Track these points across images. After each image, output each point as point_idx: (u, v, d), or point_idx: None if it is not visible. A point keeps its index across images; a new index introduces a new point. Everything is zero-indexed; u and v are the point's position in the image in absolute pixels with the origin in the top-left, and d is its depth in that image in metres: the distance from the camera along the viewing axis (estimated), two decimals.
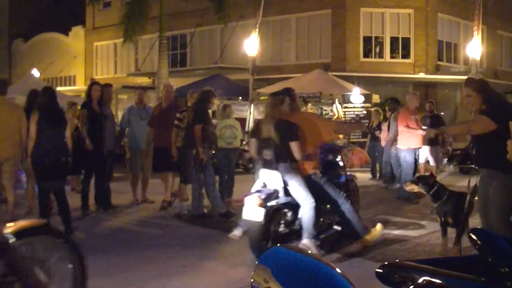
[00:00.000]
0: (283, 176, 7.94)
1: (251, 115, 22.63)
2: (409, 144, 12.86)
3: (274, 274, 2.16)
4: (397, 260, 2.23)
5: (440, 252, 7.74)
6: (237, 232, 8.55)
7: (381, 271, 2.07)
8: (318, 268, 2.14)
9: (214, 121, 12.63)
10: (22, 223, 4.94)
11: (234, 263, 7.79)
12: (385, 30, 30.74)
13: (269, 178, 8.13)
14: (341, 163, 9.33)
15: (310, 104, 22.22)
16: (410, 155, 12.85)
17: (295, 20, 32.41)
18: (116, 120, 14.88)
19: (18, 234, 4.63)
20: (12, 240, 4.51)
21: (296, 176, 7.93)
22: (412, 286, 1.91)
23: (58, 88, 36.09)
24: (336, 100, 22.14)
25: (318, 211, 8.07)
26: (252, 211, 7.70)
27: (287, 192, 8.00)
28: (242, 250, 8.07)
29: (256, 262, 2.22)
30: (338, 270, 2.11)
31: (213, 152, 11.54)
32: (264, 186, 8.18)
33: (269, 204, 7.76)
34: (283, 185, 7.98)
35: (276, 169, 7.96)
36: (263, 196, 7.74)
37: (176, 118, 11.76)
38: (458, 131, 6.67)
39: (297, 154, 7.86)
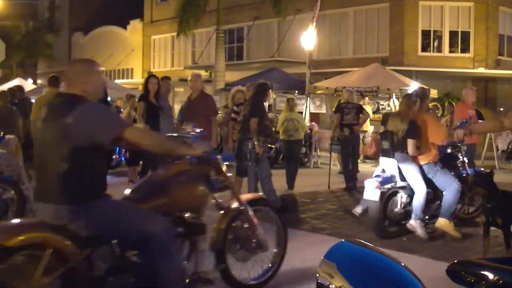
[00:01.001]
0: (399, 163, 9.08)
1: (308, 109, 22.55)
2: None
3: (339, 269, 2.13)
4: (468, 259, 2.18)
5: (483, 253, 7.52)
6: (358, 209, 10.25)
7: (451, 268, 2.03)
8: (385, 263, 2.11)
9: (270, 114, 12.65)
10: (251, 196, 6.78)
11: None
12: (444, 24, 30.25)
13: (387, 165, 9.34)
14: (460, 158, 10.11)
15: (367, 98, 22.07)
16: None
17: (353, 13, 32.17)
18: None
19: (251, 203, 6.19)
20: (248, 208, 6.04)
21: (410, 165, 9.00)
22: (485, 285, 1.87)
23: (116, 81, 36.79)
24: (394, 94, 21.91)
25: (430, 196, 9.13)
26: (371, 192, 8.92)
27: (402, 178, 9.10)
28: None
29: (322, 258, 2.20)
30: (403, 264, 2.07)
31: (269, 145, 11.56)
32: (383, 171, 9.41)
33: (385, 187, 8.97)
34: (398, 172, 9.10)
35: (393, 157, 9.12)
36: (380, 180, 8.99)
37: (232, 111, 11.84)
38: (489, 129, 6.25)
39: (411, 150, 8.99)
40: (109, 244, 4.71)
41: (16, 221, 5.70)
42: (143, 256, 4.85)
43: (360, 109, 14.67)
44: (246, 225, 6.05)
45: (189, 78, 11.75)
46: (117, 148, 16.40)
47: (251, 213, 6.04)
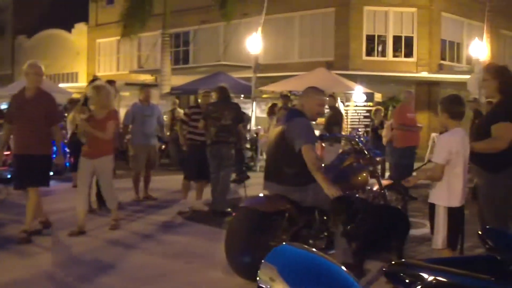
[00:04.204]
0: None
1: (253, 113, 22.59)
2: (406, 142, 12.87)
3: (280, 273, 2.14)
4: (404, 260, 2.21)
5: None
6: None
7: (389, 269, 2.06)
8: (324, 265, 2.13)
9: None
10: (385, 182, 8.67)
11: None
12: (388, 29, 30.70)
13: None
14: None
15: None
16: (407, 153, 12.86)
17: (299, 18, 32.38)
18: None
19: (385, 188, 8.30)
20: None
21: None
22: (420, 285, 1.90)
23: (61, 85, 36.16)
24: (339, 98, 22.09)
25: None
26: None
27: None
28: None
29: (263, 261, 2.20)
30: (343, 267, 2.09)
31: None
32: None
33: None
34: None
35: None
36: None
37: (184, 114, 11.96)
38: (485, 151, 6.29)
39: None
40: (314, 213, 6.87)
41: (265, 195, 7.15)
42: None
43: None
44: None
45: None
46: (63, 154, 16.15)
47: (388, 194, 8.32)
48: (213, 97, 11.60)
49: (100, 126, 9.28)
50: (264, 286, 2.13)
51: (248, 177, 13.27)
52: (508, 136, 6.26)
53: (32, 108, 8.62)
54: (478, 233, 1.82)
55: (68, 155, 15.79)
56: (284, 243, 2.47)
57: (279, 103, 18.45)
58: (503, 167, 6.32)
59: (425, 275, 1.92)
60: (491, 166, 6.37)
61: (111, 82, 12.40)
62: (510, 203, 6.57)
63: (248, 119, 19.11)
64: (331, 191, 6.28)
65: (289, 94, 19.15)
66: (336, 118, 16.79)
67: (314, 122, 7.68)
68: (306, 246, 2.34)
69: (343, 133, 18.03)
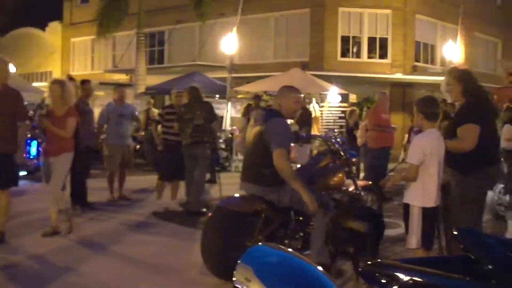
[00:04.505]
0: None
1: (228, 113, 22.59)
2: (380, 143, 12.94)
3: (256, 273, 2.14)
4: (379, 260, 2.22)
5: None
6: None
7: (365, 270, 2.06)
8: (300, 266, 2.13)
9: None
10: (361, 183, 8.58)
11: None
12: (363, 30, 30.87)
13: None
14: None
15: None
16: (381, 154, 12.92)
17: (274, 18, 32.45)
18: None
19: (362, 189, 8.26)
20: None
21: None
22: (396, 286, 1.91)
23: (35, 84, 35.83)
24: (314, 99, 22.16)
25: None
26: None
27: None
28: None
29: (239, 261, 2.20)
30: (319, 268, 2.09)
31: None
32: None
33: None
34: None
35: None
36: None
37: (159, 115, 11.96)
38: (454, 150, 6.48)
39: None
40: (290, 213, 6.87)
41: (241, 196, 7.08)
42: (309, 221, 6.96)
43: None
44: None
45: None
46: (37, 153, 16.03)
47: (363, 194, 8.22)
48: (185, 98, 11.61)
49: (60, 123, 9.06)
50: (240, 287, 2.13)
51: (215, 182, 13.46)
52: (473, 137, 6.36)
53: None
54: (453, 233, 1.83)
55: (40, 156, 15.66)
56: (259, 243, 2.47)
57: (253, 104, 18.49)
58: (475, 168, 6.40)
59: (400, 275, 1.93)
60: (463, 167, 6.44)
61: (85, 81, 12.33)
62: (482, 204, 6.66)
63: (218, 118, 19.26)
64: (312, 205, 6.36)
65: (261, 95, 19.20)
66: (306, 118, 16.85)
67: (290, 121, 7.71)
68: (281, 247, 2.34)
69: (316, 133, 18.10)
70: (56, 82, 9.32)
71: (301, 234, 7.08)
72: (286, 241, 6.87)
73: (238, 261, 2.21)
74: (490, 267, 1.74)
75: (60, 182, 9.19)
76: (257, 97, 18.23)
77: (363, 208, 7.92)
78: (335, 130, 10.20)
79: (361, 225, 7.07)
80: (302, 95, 8.31)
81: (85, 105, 11.74)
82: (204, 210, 10.80)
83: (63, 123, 9.05)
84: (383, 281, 1.98)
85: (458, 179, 6.51)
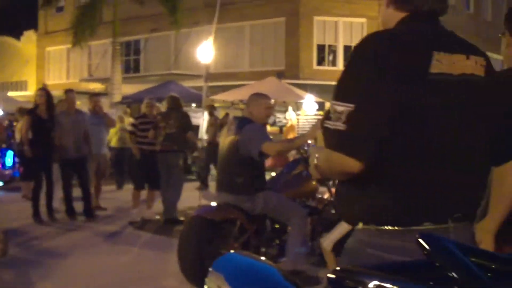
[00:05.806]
0: None
1: (205, 122, 22.59)
2: None
3: (228, 281, 2.18)
4: (348, 266, 2.26)
5: None
6: None
7: (333, 276, 2.10)
8: (269, 273, 2.17)
9: None
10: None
11: None
12: (338, 39, 31.06)
13: None
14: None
15: None
16: None
17: (250, 27, 32.53)
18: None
19: None
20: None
21: None
22: None
23: (10, 93, 35.60)
24: (290, 107, 22.26)
25: None
26: None
27: None
28: None
29: (210, 269, 2.24)
30: (289, 275, 2.13)
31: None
32: None
33: None
34: None
35: None
36: None
37: (132, 125, 11.97)
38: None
39: None
40: (265, 221, 7.06)
41: (216, 205, 7.18)
42: (285, 228, 7.07)
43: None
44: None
45: None
46: (12, 163, 15.96)
47: None
48: (163, 107, 11.75)
49: None
50: None
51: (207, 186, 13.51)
52: None
53: None
54: (417, 239, 1.88)
55: (17, 165, 15.59)
56: (231, 251, 2.51)
57: (230, 113, 18.60)
58: None
59: (367, 281, 1.97)
60: None
61: (69, 91, 12.26)
62: None
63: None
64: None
65: (214, 105, 19.63)
66: None
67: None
68: (252, 254, 2.38)
69: None
70: None
71: (277, 241, 7.18)
72: (262, 249, 6.94)
73: (210, 269, 2.25)
74: (453, 274, 1.79)
75: None
76: (211, 107, 18.78)
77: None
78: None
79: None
80: (273, 101, 8.41)
81: (66, 115, 11.68)
82: (182, 218, 10.82)
83: None
84: (349, 287, 2.03)
85: None
